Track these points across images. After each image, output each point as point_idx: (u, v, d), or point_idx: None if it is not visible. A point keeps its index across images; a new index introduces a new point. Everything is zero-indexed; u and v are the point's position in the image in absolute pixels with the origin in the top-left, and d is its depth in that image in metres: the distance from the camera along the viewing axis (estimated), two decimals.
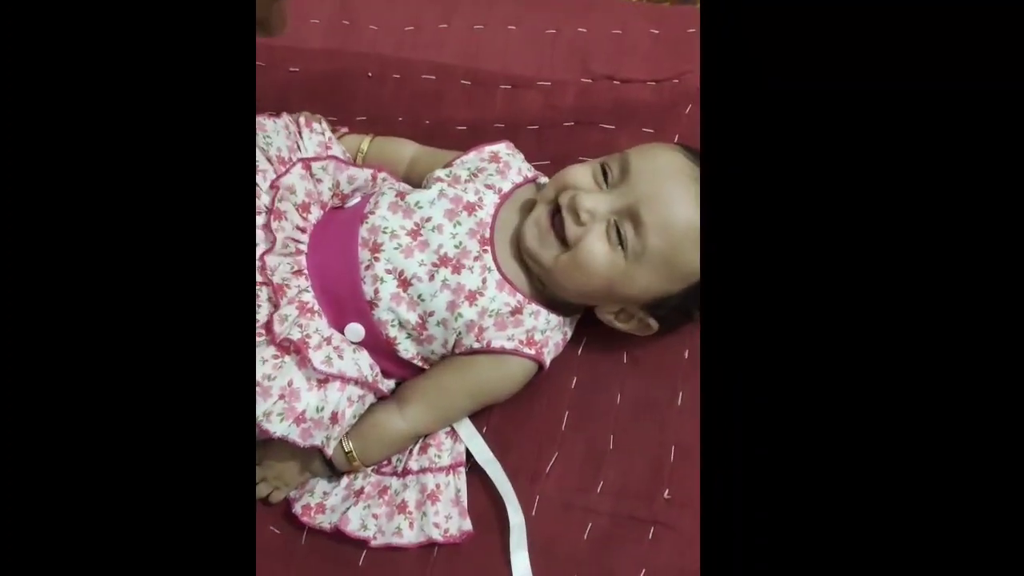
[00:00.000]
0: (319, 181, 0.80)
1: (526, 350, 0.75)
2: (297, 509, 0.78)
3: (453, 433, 0.79)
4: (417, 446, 0.78)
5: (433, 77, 0.95)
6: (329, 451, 0.73)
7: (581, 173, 0.75)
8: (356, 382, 0.73)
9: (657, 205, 0.72)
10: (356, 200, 0.82)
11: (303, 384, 0.70)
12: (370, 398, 0.76)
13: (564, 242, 0.74)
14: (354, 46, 0.97)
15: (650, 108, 0.90)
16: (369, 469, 0.78)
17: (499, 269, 0.76)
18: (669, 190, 0.73)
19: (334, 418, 0.72)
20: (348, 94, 0.96)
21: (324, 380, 0.71)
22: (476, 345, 0.75)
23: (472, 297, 0.75)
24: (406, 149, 0.90)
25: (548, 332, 0.77)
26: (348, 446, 0.76)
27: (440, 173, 0.81)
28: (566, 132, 0.92)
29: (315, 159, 0.80)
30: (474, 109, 0.94)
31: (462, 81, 0.94)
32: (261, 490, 0.78)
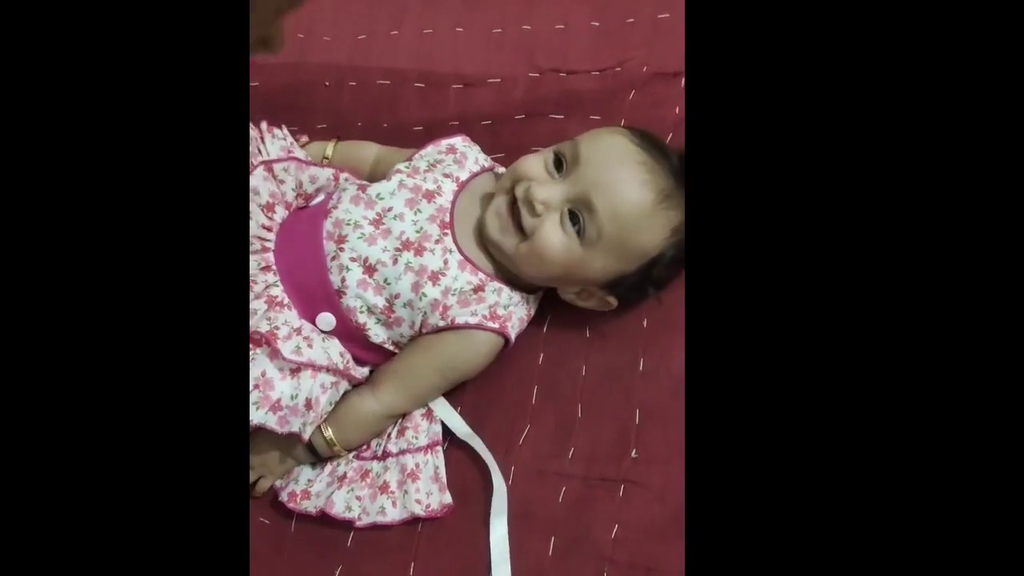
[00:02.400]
0: (281, 182, 0.83)
1: (490, 324, 0.79)
2: (283, 497, 0.81)
3: (429, 415, 0.82)
4: (395, 430, 0.82)
5: (388, 82, 0.99)
6: (306, 437, 0.77)
7: (534, 164, 0.80)
8: (327, 369, 0.76)
9: (607, 191, 0.76)
10: (320, 199, 0.86)
11: (276, 374, 0.74)
12: (344, 385, 0.80)
13: (523, 231, 0.78)
14: (310, 57, 1.01)
15: (596, 96, 0.94)
16: (351, 455, 0.81)
17: (460, 250, 0.80)
18: (617, 175, 0.77)
19: (308, 405, 0.75)
20: (307, 104, 1.00)
21: (296, 369, 0.75)
22: (441, 323, 0.78)
23: (435, 277, 0.78)
24: (369, 151, 0.94)
25: (511, 307, 0.81)
26: (328, 433, 0.79)
27: (400, 165, 0.85)
28: (518, 125, 0.96)
29: (276, 160, 0.83)
30: (429, 109, 0.98)
31: (416, 84, 0.98)
32: None
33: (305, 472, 0.82)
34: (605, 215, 0.76)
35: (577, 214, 0.77)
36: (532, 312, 0.84)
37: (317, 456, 0.81)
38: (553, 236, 0.77)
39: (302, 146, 0.94)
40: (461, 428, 0.81)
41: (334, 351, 0.78)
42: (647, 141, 0.79)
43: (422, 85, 0.99)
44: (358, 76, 0.99)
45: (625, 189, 0.76)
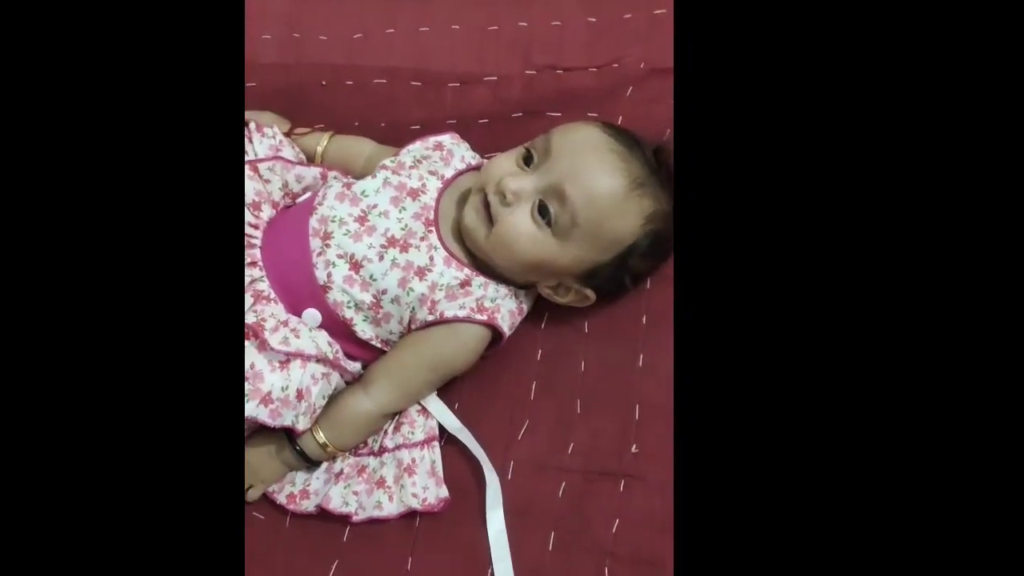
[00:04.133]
0: (267, 181, 0.84)
1: (478, 316, 0.78)
2: (282, 499, 0.80)
3: (425, 411, 0.81)
4: (391, 426, 0.81)
5: (384, 81, 0.99)
6: (300, 428, 0.76)
7: (505, 160, 0.80)
8: (317, 359, 0.76)
9: (579, 178, 0.76)
10: (307, 196, 0.86)
11: (265, 366, 0.73)
12: (335, 377, 0.79)
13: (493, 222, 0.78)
14: (306, 58, 1.01)
15: (593, 93, 0.94)
16: (347, 452, 0.81)
17: (445, 247, 0.80)
18: (589, 163, 0.76)
19: (300, 395, 0.75)
20: (304, 104, 1.00)
21: (285, 361, 0.74)
22: (430, 318, 0.78)
23: (421, 273, 0.78)
24: (364, 147, 0.94)
25: (498, 300, 0.80)
26: (321, 437, 0.78)
27: (385, 161, 0.85)
28: (515, 123, 0.95)
29: (261, 160, 0.83)
30: (426, 108, 0.97)
31: (412, 82, 0.98)
32: None
33: (300, 474, 0.81)
34: (578, 202, 0.75)
35: (547, 205, 0.76)
36: (525, 307, 0.83)
37: (310, 461, 0.80)
38: (519, 224, 0.76)
39: (300, 136, 0.93)
40: (452, 423, 0.80)
41: (322, 341, 0.78)
42: (619, 132, 0.79)
43: (419, 84, 0.98)
44: (354, 75, 0.99)
45: (597, 175, 0.76)
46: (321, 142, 0.93)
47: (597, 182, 0.76)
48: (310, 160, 0.93)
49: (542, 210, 0.76)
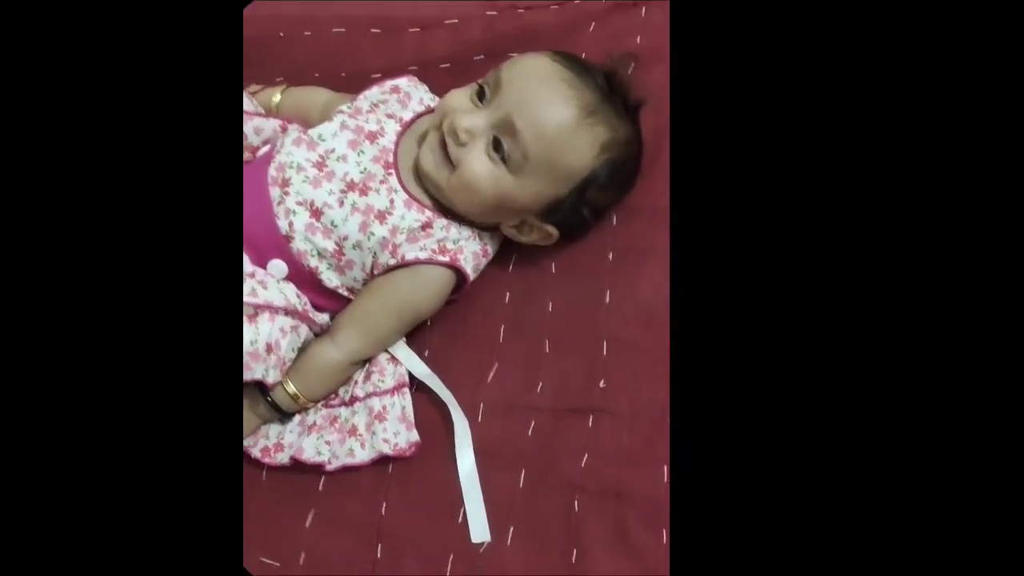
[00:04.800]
0: None
1: (440, 258, 0.78)
2: (256, 453, 0.80)
3: (394, 359, 0.82)
4: (362, 375, 0.81)
5: (343, 29, 0.97)
6: (270, 381, 0.76)
7: (459, 96, 0.79)
8: (285, 311, 0.76)
9: (528, 110, 0.75)
10: (267, 149, 0.85)
11: None
12: (304, 330, 0.79)
13: (452, 164, 0.77)
14: (262, 9, 0.98)
15: (555, 30, 0.92)
16: (319, 404, 0.81)
17: (405, 190, 0.79)
18: (537, 94, 0.75)
19: (269, 349, 0.75)
20: (263, 57, 0.98)
21: (254, 315, 0.74)
22: (392, 261, 0.78)
23: (382, 216, 0.78)
24: (319, 96, 0.93)
25: (461, 242, 0.80)
26: (292, 388, 0.79)
27: (342, 106, 0.84)
28: (478, 66, 0.94)
29: None
30: (386, 55, 0.96)
31: (372, 30, 0.97)
32: None
33: (274, 427, 0.81)
34: (528, 135, 0.74)
35: (501, 140, 0.75)
36: (490, 249, 0.83)
37: (283, 413, 0.80)
38: (478, 164, 0.76)
39: (252, 93, 0.92)
40: (421, 370, 0.80)
41: (290, 292, 0.78)
42: (569, 59, 0.78)
43: (378, 31, 0.97)
44: (312, 25, 0.98)
45: (545, 106, 0.75)
46: (275, 96, 0.92)
47: (545, 113, 0.75)
48: None
49: (496, 146, 0.75)
